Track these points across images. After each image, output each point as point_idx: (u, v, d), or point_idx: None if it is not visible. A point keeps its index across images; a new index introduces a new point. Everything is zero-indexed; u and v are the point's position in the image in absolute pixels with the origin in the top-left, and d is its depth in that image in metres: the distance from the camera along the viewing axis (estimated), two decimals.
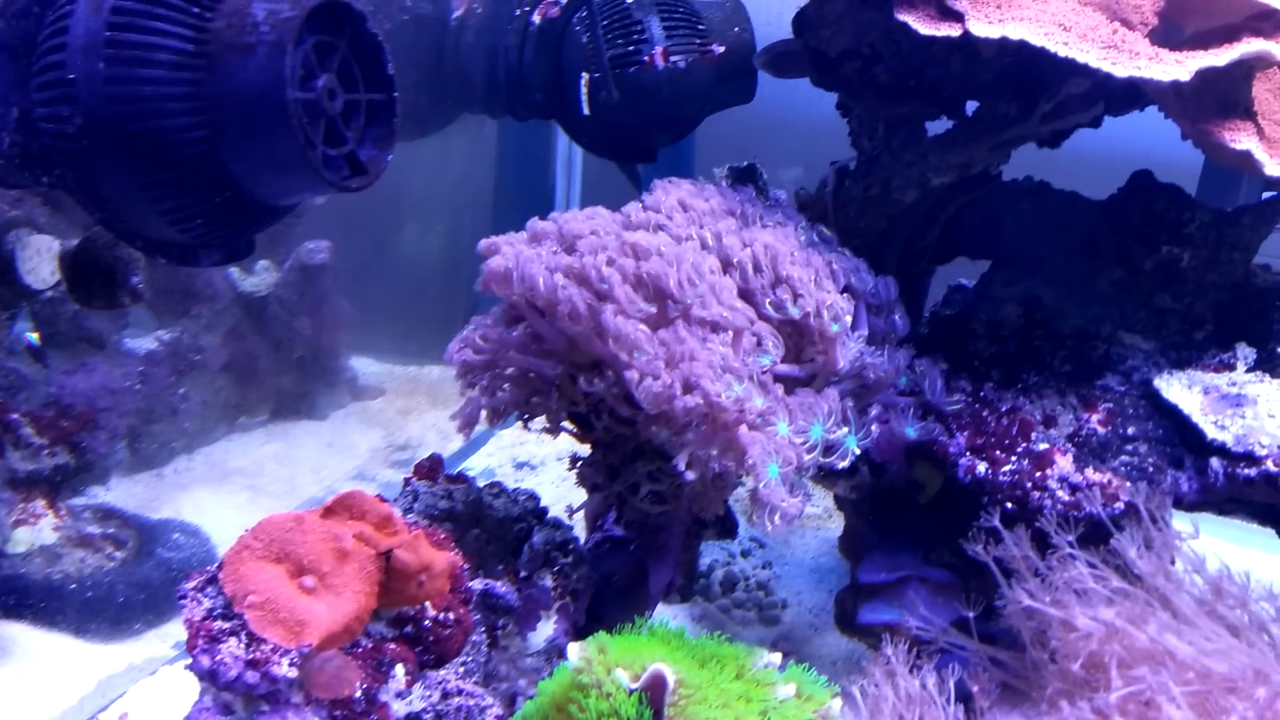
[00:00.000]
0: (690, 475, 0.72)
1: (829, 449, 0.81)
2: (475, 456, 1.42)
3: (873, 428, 0.90)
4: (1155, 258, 0.97)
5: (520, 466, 1.38)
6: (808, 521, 1.28)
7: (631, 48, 1.30)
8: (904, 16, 0.84)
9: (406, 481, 0.85)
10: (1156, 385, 0.92)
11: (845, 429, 0.82)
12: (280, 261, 1.44)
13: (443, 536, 0.74)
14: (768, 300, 0.77)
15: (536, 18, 1.35)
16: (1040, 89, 0.93)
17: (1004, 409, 0.94)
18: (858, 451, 0.82)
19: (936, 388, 0.91)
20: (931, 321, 1.07)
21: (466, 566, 0.71)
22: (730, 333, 0.75)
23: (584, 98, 1.31)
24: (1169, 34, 0.92)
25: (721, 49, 1.37)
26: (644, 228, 0.80)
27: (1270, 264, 1.07)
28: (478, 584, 0.73)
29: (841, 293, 0.87)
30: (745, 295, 0.78)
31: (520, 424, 0.83)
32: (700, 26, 1.36)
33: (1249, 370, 0.93)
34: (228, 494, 1.24)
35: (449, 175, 1.50)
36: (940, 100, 0.95)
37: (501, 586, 0.73)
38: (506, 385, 0.80)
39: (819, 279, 0.81)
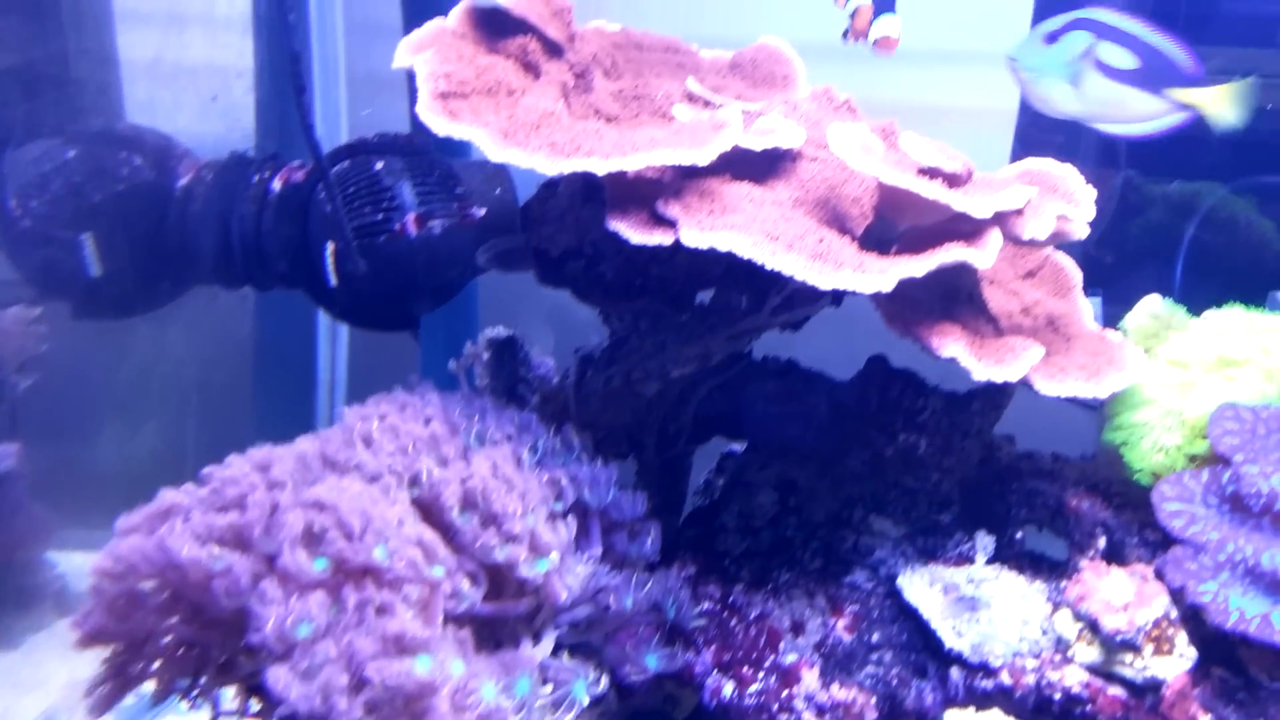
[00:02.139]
0: None
1: (556, 703, 0.73)
2: None
3: (610, 650, 0.83)
4: (894, 445, 0.96)
5: None
6: None
7: (381, 215, 1.23)
8: (616, 225, 0.81)
9: None
10: (899, 584, 0.90)
11: (570, 672, 0.75)
12: None
13: None
14: (476, 543, 0.70)
15: (277, 184, 1.26)
16: (770, 281, 0.91)
17: (753, 616, 0.90)
18: (585, 701, 0.75)
19: (681, 606, 0.85)
20: (689, 516, 1.03)
21: None
22: (423, 588, 0.67)
23: (329, 268, 1.23)
24: (886, 228, 0.93)
25: (482, 212, 1.32)
26: (337, 466, 0.72)
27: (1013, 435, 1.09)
28: None
29: (569, 511, 0.81)
30: (450, 535, 0.71)
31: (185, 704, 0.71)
32: (458, 190, 1.31)
33: (989, 562, 0.93)
34: None
35: (179, 354, 1.37)
36: (668, 297, 0.92)
37: None
38: (162, 659, 0.69)
39: (533, 506, 0.74)
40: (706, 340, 0.94)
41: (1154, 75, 1.01)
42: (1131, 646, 0.80)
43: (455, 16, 0.96)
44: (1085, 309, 1.08)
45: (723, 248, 0.78)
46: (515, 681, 0.69)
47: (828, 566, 0.95)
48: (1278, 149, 1.85)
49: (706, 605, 0.90)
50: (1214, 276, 1.94)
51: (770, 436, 1.04)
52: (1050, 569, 0.94)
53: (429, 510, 0.71)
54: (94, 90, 1.42)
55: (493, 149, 0.80)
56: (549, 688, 0.70)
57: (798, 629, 0.89)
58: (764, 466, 1.02)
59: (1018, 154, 1.67)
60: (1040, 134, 1.92)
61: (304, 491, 0.65)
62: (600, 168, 0.78)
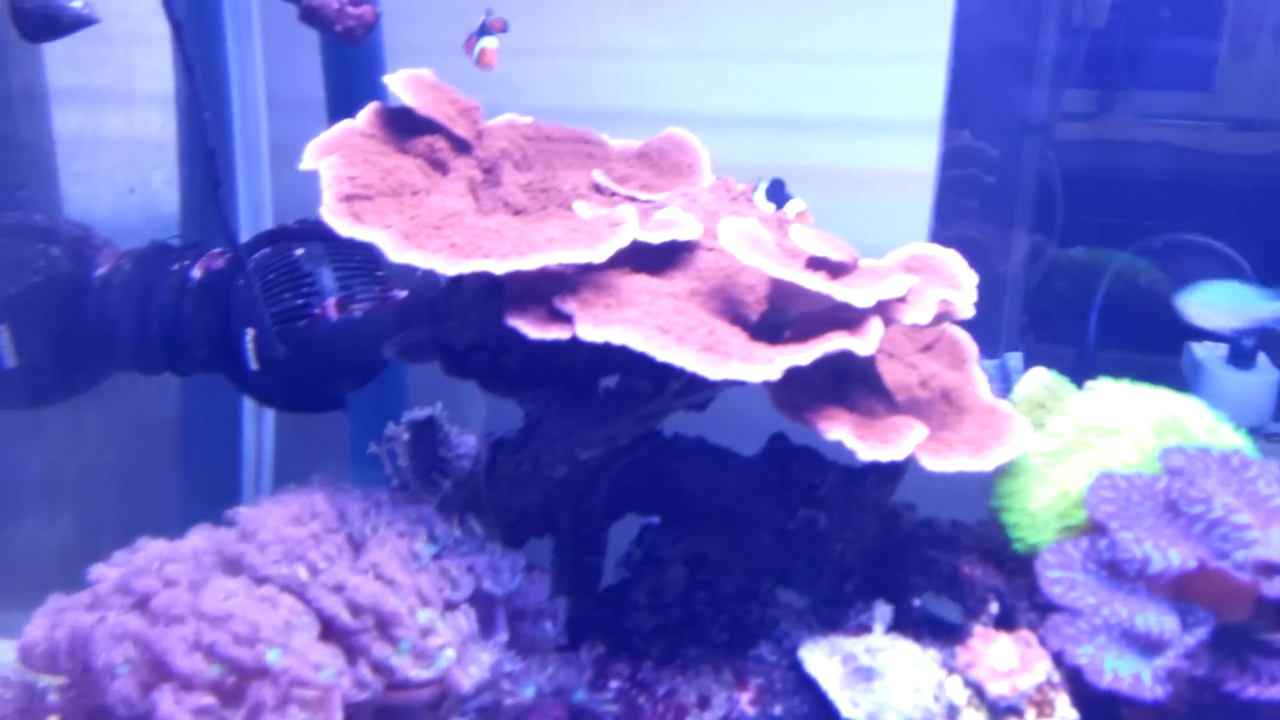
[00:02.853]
0: None
1: None
2: None
3: None
4: (795, 520, 1.00)
5: None
6: None
7: (301, 301, 1.26)
8: (515, 321, 0.84)
9: None
10: (801, 656, 0.93)
11: None
12: None
13: None
14: (366, 647, 0.72)
15: (197, 272, 1.28)
16: (669, 368, 0.95)
17: (661, 693, 0.92)
18: None
19: (589, 689, 0.87)
20: (600, 594, 1.05)
21: None
22: (317, 691, 0.68)
23: (249, 354, 1.24)
24: (780, 313, 0.98)
25: (403, 294, 1.35)
26: (230, 566, 0.73)
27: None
28: None
29: (471, 599, 0.83)
30: (342, 638, 0.72)
31: None
32: (379, 273, 1.34)
33: (888, 630, 0.96)
34: None
35: (96, 442, 1.37)
36: (572, 385, 0.95)
37: None
38: None
39: (425, 602, 0.76)
40: (612, 424, 0.97)
41: None
42: (1015, 711, 0.84)
43: (363, 117, 1.00)
44: (980, 381, 1.13)
45: (616, 342, 0.82)
46: None
47: (735, 640, 0.97)
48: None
49: (615, 684, 0.92)
50: (1125, 334, 2.04)
51: (680, 513, 1.07)
52: (948, 635, 0.98)
53: (319, 613, 0.72)
54: (28, 178, 1.43)
55: (394, 251, 0.83)
56: None
57: (704, 704, 0.91)
58: (675, 543, 1.05)
59: (937, 218, 1.75)
60: (957, 199, 2.02)
61: (196, 595, 0.67)
62: (498, 268, 0.82)
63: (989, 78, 2.10)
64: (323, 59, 1.56)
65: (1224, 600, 0.87)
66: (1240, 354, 1.76)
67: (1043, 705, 0.84)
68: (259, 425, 1.55)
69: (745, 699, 0.91)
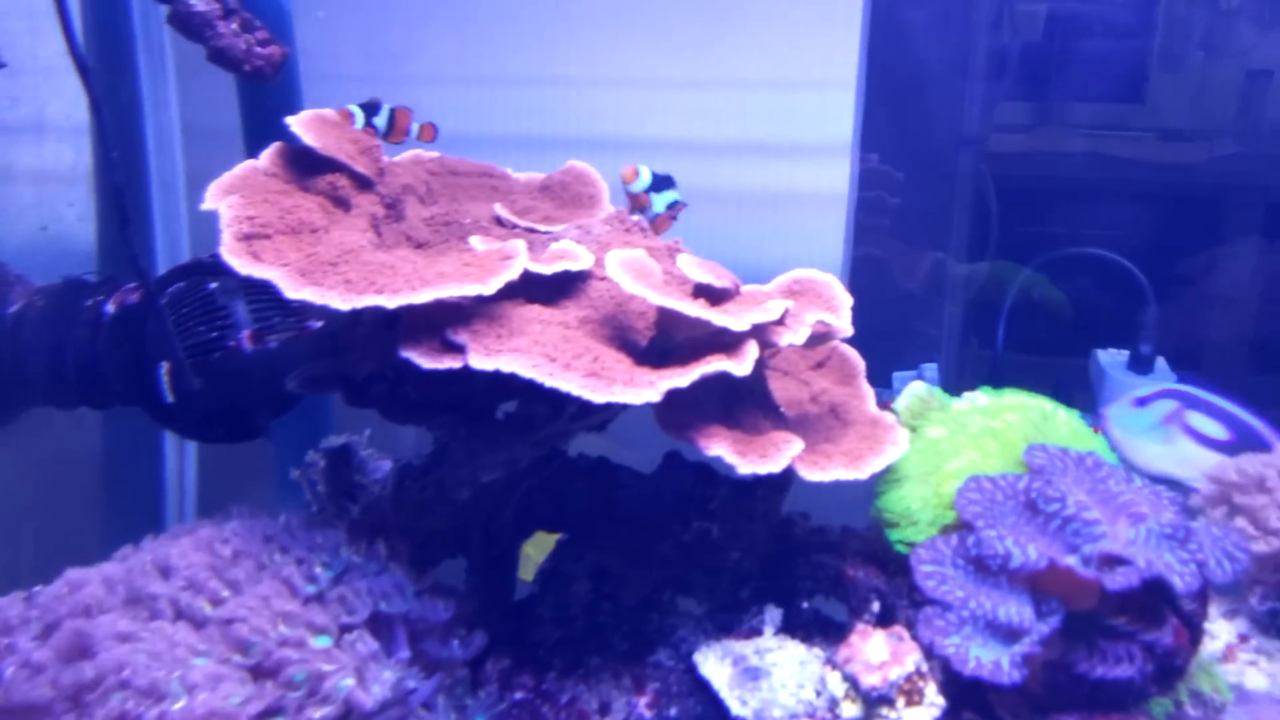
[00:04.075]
0: None
1: None
2: None
3: None
4: (690, 532, 1.06)
5: None
6: None
7: (215, 334, 1.29)
8: (408, 353, 0.89)
9: None
10: (695, 659, 0.98)
11: None
12: None
13: None
14: (268, 676, 0.76)
15: (111, 306, 1.30)
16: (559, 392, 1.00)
17: (564, 700, 0.97)
18: None
19: (491, 703, 0.92)
20: (507, 610, 1.10)
21: None
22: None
23: (165, 386, 1.27)
24: (668, 338, 1.03)
25: (319, 324, 1.38)
26: (137, 600, 0.77)
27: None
28: None
29: (370, 622, 0.87)
30: (244, 665, 0.76)
31: None
32: (294, 305, 1.37)
33: (778, 632, 1.02)
34: None
35: (7, 476, 1.38)
36: (471, 411, 1.00)
37: None
38: None
39: (320, 628, 0.80)
40: (513, 446, 1.02)
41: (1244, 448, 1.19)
42: (887, 700, 0.90)
43: (265, 156, 1.03)
44: (867, 395, 1.20)
45: (505, 370, 0.87)
46: None
47: (635, 648, 1.03)
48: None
49: (519, 695, 0.97)
50: (1027, 343, 2.15)
51: (584, 530, 1.12)
52: (835, 634, 1.04)
53: (220, 640, 0.76)
54: None
55: (289, 288, 0.87)
56: None
57: (605, 709, 0.96)
58: (579, 558, 1.10)
59: (853, 237, 1.83)
60: (870, 218, 2.10)
61: (101, 623, 0.70)
62: (390, 303, 0.86)
63: (908, 97, 2.19)
64: (238, 90, 1.59)
65: (1076, 589, 0.94)
66: (1140, 360, 1.88)
67: (912, 694, 0.91)
68: (181, 455, 1.56)
69: (643, 703, 0.97)
